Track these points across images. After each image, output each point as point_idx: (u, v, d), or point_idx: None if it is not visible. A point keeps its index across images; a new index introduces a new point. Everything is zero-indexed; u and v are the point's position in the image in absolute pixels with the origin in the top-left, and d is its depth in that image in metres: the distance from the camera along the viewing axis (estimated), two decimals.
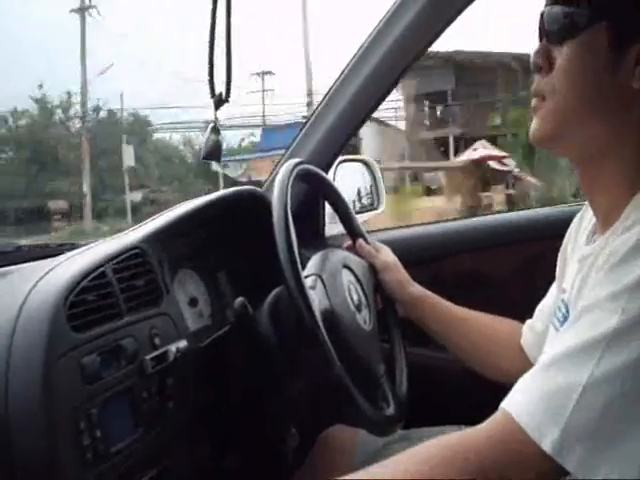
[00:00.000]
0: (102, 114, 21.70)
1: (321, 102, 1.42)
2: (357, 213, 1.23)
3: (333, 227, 1.42)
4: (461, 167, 12.86)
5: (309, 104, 16.16)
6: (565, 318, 0.78)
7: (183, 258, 1.07)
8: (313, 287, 0.89)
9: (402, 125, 17.95)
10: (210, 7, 0.87)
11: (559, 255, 0.93)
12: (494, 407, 0.64)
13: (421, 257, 1.39)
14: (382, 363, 0.99)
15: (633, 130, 0.68)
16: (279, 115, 19.77)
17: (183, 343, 0.89)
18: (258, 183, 1.57)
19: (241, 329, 0.95)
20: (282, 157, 1.47)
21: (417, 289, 1.12)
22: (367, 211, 1.56)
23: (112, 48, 21.08)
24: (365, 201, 1.59)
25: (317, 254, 1.00)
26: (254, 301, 0.95)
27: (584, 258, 0.73)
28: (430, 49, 1.36)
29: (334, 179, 1.38)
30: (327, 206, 1.31)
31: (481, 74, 16.88)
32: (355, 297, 0.97)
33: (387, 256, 1.14)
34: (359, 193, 1.58)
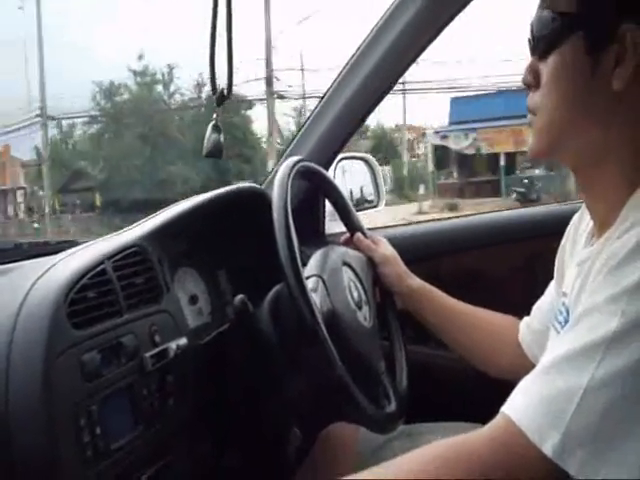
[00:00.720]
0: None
1: (321, 99, 1.42)
2: (357, 210, 1.23)
3: (333, 225, 1.42)
4: None
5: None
6: (566, 322, 0.78)
7: (183, 255, 1.07)
8: (315, 289, 0.89)
9: None
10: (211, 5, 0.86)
11: (557, 256, 0.93)
12: (493, 403, 0.64)
13: (421, 255, 1.39)
14: (382, 360, 0.99)
15: (623, 133, 0.69)
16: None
17: (183, 340, 0.89)
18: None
19: (241, 326, 0.95)
20: (283, 155, 1.47)
21: (415, 282, 1.12)
22: (367, 208, 1.56)
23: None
24: (365, 198, 1.59)
25: (317, 252, 0.99)
26: (254, 299, 0.95)
27: (583, 262, 0.73)
28: None
29: (334, 176, 1.38)
30: (327, 204, 1.30)
31: None
32: (355, 294, 0.97)
33: (385, 249, 1.15)
34: (359, 190, 1.58)
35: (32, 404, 0.67)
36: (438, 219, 1.97)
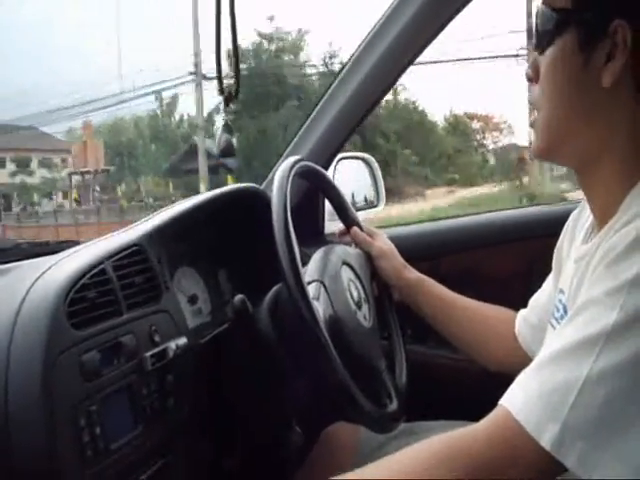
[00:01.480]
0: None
1: (321, 99, 1.42)
2: (357, 210, 1.23)
3: (333, 224, 1.42)
4: None
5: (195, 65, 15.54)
6: (564, 318, 0.78)
7: (183, 255, 1.07)
8: (317, 297, 0.89)
9: None
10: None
11: (554, 254, 0.93)
12: (493, 401, 0.64)
13: (420, 254, 1.38)
14: (383, 358, 0.99)
15: (620, 129, 0.69)
16: None
17: (183, 340, 0.89)
18: None
19: (240, 326, 0.95)
20: (282, 154, 1.47)
21: (413, 274, 1.13)
22: (367, 208, 1.56)
23: None
24: (365, 198, 1.59)
25: (317, 254, 1.00)
26: (254, 298, 0.95)
27: (581, 258, 0.74)
28: None
29: (333, 176, 1.38)
30: (327, 203, 1.30)
31: None
32: (355, 294, 0.97)
33: (382, 242, 1.15)
34: (359, 190, 1.58)
35: (32, 404, 0.67)
36: (436, 218, 1.97)
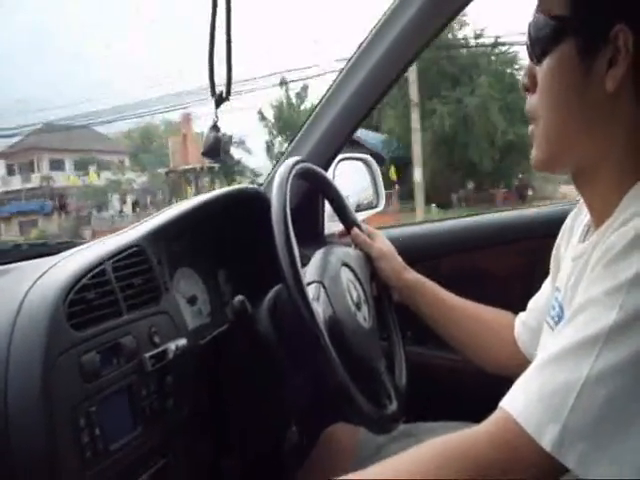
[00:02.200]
0: None
1: (321, 100, 1.42)
2: (356, 211, 1.23)
3: (332, 225, 1.42)
4: None
5: None
6: (560, 317, 0.78)
7: (182, 256, 1.07)
8: (317, 298, 0.89)
9: None
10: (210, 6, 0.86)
11: (552, 254, 0.93)
12: (492, 402, 0.64)
13: (419, 256, 1.38)
14: (382, 359, 0.99)
15: (620, 134, 0.69)
16: None
17: (182, 341, 0.89)
18: None
19: (240, 327, 0.95)
20: (283, 155, 1.47)
21: (412, 275, 1.13)
22: (366, 209, 1.56)
23: None
24: (364, 199, 1.59)
25: (316, 255, 1.00)
26: (253, 299, 0.95)
27: (578, 257, 0.74)
28: None
29: (333, 177, 1.38)
30: (327, 204, 1.30)
31: None
32: (355, 295, 0.97)
33: (382, 243, 1.15)
34: (358, 190, 1.58)
35: (31, 405, 0.67)
36: (436, 220, 1.97)
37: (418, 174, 14.11)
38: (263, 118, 22.43)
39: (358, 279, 1.03)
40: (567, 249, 0.86)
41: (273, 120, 22.83)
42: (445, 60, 17.82)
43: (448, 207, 16.40)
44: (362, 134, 16.45)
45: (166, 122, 31.55)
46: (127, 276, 0.85)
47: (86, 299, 0.76)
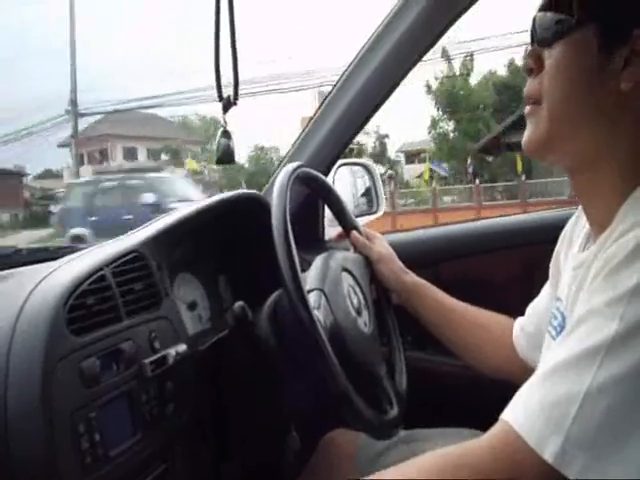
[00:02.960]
0: None
1: (321, 105, 1.42)
2: (356, 217, 1.23)
3: (332, 230, 1.42)
4: None
5: None
6: (561, 327, 0.78)
7: (182, 262, 1.07)
8: (317, 306, 0.89)
9: None
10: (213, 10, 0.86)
11: (552, 262, 0.93)
12: (492, 409, 0.63)
13: (419, 261, 1.38)
14: (383, 364, 0.99)
15: (624, 134, 0.68)
16: None
17: (182, 347, 0.89)
18: None
19: (240, 333, 0.95)
20: (282, 161, 1.48)
21: (411, 278, 1.13)
22: (366, 214, 1.56)
23: None
24: (364, 204, 1.59)
25: (317, 261, 1.00)
26: (253, 305, 0.95)
27: (578, 266, 0.73)
28: None
29: (333, 182, 1.38)
30: (327, 209, 1.31)
31: None
32: (355, 300, 0.97)
33: (381, 246, 1.15)
34: (358, 196, 1.58)
35: (31, 410, 0.67)
36: (436, 225, 1.96)
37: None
38: (430, 91, 21.81)
39: (358, 284, 1.03)
40: (567, 257, 0.85)
41: (438, 94, 22.13)
42: None
43: None
44: None
45: (200, 117, 30.67)
46: (127, 281, 0.84)
47: (86, 305, 0.76)
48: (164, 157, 29.14)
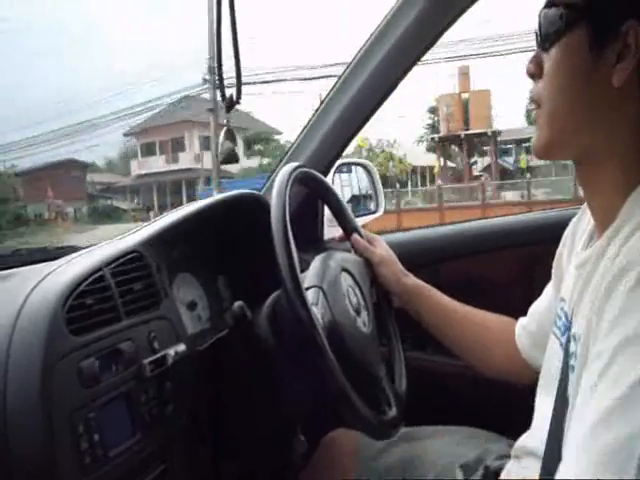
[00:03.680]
0: None
1: (320, 105, 1.42)
2: (356, 217, 1.23)
3: (332, 230, 1.42)
4: None
5: None
6: (566, 328, 0.77)
7: (182, 261, 1.07)
8: (316, 302, 0.89)
9: None
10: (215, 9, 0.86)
11: (554, 262, 0.93)
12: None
13: (420, 260, 1.38)
14: (382, 364, 0.99)
15: (624, 130, 0.69)
16: None
17: (182, 347, 0.89)
18: None
19: (239, 333, 0.95)
20: (282, 161, 1.47)
21: (412, 281, 1.13)
22: (366, 214, 1.56)
23: None
24: (364, 204, 1.59)
25: (316, 260, 1.00)
26: (253, 305, 0.95)
27: (582, 264, 0.73)
28: None
29: (333, 182, 1.38)
30: (326, 209, 1.30)
31: None
32: (354, 300, 0.97)
33: (382, 249, 1.15)
34: (358, 196, 1.58)
35: (30, 410, 0.67)
36: (437, 224, 1.96)
37: None
38: None
39: (358, 285, 1.03)
40: (570, 258, 0.85)
41: None
42: None
43: None
44: None
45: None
46: (126, 281, 0.84)
47: (85, 305, 0.76)
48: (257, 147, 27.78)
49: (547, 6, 0.73)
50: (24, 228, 22.99)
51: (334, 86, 1.39)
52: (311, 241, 1.37)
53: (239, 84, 0.91)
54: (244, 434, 1.02)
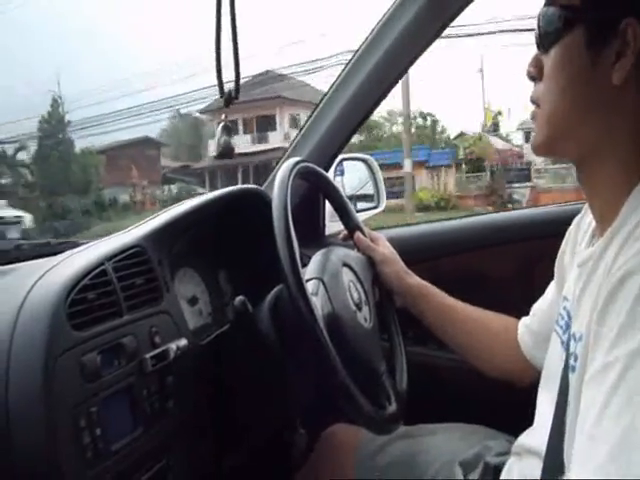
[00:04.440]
0: None
1: (321, 100, 1.42)
2: (357, 212, 1.23)
3: (333, 225, 1.42)
4: None
5: None
6: (568, 326, 0.77)
7: (183, 256, 1.07)
8: (315, 292, 0.89)
9: None
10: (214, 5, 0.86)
11: (556, 261, 0.93)
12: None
13: (420, 256, 1.39)
14: (383, 360, 0.99)
15: (623, 129, 0.68)
16: None
17: (183, 341, 0.89)
18: None
19: (241, 327, 0.96)
20: (283, 155, 1.47)
21: (414, 280, 1.13)
22: (368, 210, 1.56)
23: None
24: (365, 199, 1.59)
25: (317, 254, 1.00)
26: (254, 300, 0.95)
27: (584, 262, 0.73)
28: None
29: (334, 177, 1.38)
30: (328, 204, 1.30)
31: None
32: (355, 296, 0.97)
33: (384, 247, 1.15)
34: (359, 191, 1.58)
35: (32, 405, 0.67)
36: (437, 220, 1.96)
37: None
38: None
39: (359, 280, 1.03)
40: (572, 257, 0.85)
41: None
42: None
43: None
44: None
45: None
46: (128, 276, 0.84)
47: (87, 299, 0.76)
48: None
49: (545, 9, 0.73)
50: (111, 212, 21.72)
51: (335, 82, 1.39)
52: (313, 237, 1.37)
53: (237, 79, 0.91)
54: (245, 428, 1.02)
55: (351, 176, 1.54)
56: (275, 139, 25.75)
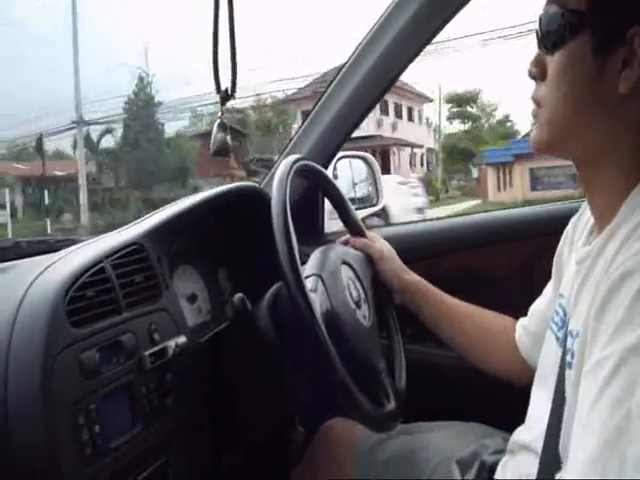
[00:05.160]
0: None
1: (321, 98, 1.42)
2: (356, 209, 1.23)
3: (332, 223, 1.42)
4: None
5: None
6: (563, 322, 0.78)
7: (182, 254, 1.07)
8: (314, 289, 0.89)
9: None
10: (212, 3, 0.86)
11: (554, 260, 0.93)
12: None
13: (418, 254, 1.38)
14: (382, 358, 0.99)
15: (626, 134, 0.68)
16: None
17: (182, 339, 0.89)
18: None
19: (240, 325, 0.95)
20: (282, 153, 1.47)
21: (412, 277, 1.13)
22: (366, 207, 1.56)
23: None
24: (364, 197, 1.59)
25: (316, 251, 1.00)
26: (253, 297, 0.95)
27: (582, 260, 0.73)
28: None
29: (334, 175, 1.38)
30: (327, 202, 1.30)
31: None
32: (354, 293, 0.97)
33: (382, 245, 1.15)
34: (358, 189, 1.58)
35: (31, 402, 0.67)
36: (436, 218, 1.96)
37: None
38: None
39: (358, 278, 1.03)
40: (570, 255, 0.85)
41: None
42: None
43: None
44: None
45: None
46: (127, 274, 0.84)
47: (86, 297, 0.76)
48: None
49: (548, 11, 0.72)
50: None
51: (334, 80, 1.39)
52: (312, 234, 1.37)
53: (234, 77, 0.91)
54: (244, 426, 1.02)
55: (349, 174, 1.54)
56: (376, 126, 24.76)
